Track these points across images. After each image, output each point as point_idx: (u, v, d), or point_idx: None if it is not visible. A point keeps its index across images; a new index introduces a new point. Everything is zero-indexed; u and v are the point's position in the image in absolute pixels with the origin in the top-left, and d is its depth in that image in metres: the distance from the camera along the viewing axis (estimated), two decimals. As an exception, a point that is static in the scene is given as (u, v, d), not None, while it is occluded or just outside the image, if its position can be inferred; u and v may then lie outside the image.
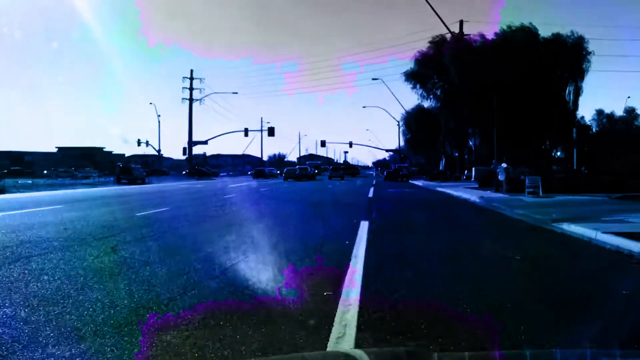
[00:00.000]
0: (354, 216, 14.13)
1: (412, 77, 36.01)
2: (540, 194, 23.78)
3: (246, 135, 74.81)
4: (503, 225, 12.70)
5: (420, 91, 36.16)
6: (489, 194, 26.82)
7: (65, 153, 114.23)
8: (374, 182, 53.08)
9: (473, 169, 55.78)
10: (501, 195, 25.57)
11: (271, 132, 74.61)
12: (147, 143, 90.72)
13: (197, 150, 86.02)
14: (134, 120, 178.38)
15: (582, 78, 32.49)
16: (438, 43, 34.62)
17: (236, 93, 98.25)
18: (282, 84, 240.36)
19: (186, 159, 74.96)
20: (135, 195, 25.46)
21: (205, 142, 76.24)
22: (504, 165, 27.08)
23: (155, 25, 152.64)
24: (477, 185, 38.10)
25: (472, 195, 25.67)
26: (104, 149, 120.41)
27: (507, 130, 31.24)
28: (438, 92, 35.79)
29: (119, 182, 51.80)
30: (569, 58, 32.05)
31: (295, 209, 16.71)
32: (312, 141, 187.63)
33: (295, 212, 15.11)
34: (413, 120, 60.84)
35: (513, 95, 31.40)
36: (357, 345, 3.72)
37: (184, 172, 75.77)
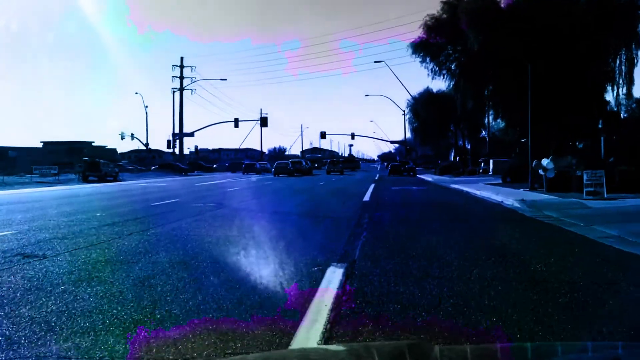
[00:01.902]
0: (324, 251, 7.42)
1: (420, 48, 28.94)
2: (605, 194, 16.95)
3: (236, 126, 68.00)
4: (627, 279, 5.87)
5: (430, 65, 29.15)
6: (526, 194, 19.98)
7: (51, 148, 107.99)
8: (376, 177, 46.31)
9: (491, 161, 48.82)
10: (545, 196, 18.72)
11: (264, 122, 67.83)
12: (132, 136, 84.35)
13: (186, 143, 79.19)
14: (125, 112, 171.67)
15: (638, 45, 25.44)
16: (452, 4, 27.64)
17: (225, 79, 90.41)
18: (282, 69, 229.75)
19: (171, 153, 68.21)
20: (46, 201, 18.82)
21: (191, 134, 69.53)
22: (545, 160, 20.27)
23: (145, 11, 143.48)
24: (500, 181, 31.31)
25: (504, 196, 18.85)
26: (93, 144, 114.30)
27: (541, 111, 24.30)
28: (452, 67, 28.80)
29: (85, 180, 45.24)
30: (619, 19, 25.05)
31: (230, 232, 9.94)
32: (315, 134, 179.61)
33: (219, 243, 8.36)
34: (421, 107, 53.86)
35: (547, 68, 24.44)
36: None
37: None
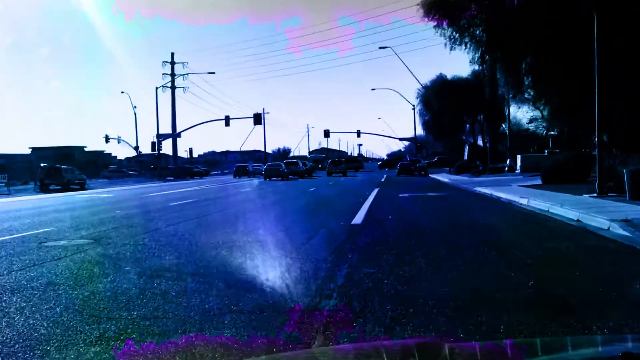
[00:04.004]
0: None
1: (434, 8, 21.74)
2: None
3: (227, 124, 61.17)
4: None
5: (448, 31, 21.98)
6: (607, 204, 12.94)
7: (40, 154, 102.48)
8: (382, 180, 39.34)
9: (518, 157, 41.52)
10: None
11: (258, 119, 60.96)
12: (119, 139, 78.07)
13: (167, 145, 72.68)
14: (120, 113, 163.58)
15: None
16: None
17: (213, 73, 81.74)
18: (283, 61, 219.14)
19: (156, 156, 61.55)
20: None
21: (178, 135, 62.89)
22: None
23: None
24: (538, 182, 24.22)
25: (576, 208, 11.80)
26: (85, 148, 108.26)
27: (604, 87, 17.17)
28: (478, 32, 21.75)
29: (42, 189, 38.71)
30: None
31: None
32: (323, 134, 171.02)
33: None
34: (433, 96, 46.74)
35: (623, 28, 17.32)
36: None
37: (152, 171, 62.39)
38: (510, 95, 26.59)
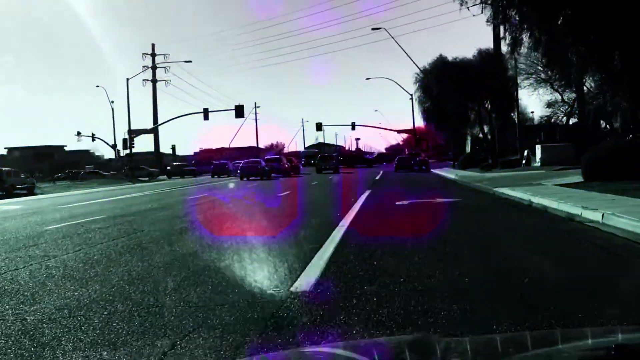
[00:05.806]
0: None
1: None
2: None
3: (206, 118, 55.07)
4: None
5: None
6: None
7: (17, 154, 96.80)
8: (377, 177, 33.58)
9: (537, 147, 35.66)
10: None
11: (239, 112, 54.97)
12: (93, 137, 72.05)
13: (141, 142, 66.68)
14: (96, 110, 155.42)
15: None
16: None
17: (190, 61, 74.78)
18: (277, 49, 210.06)
19: (127, 154, 55.38)
20: None
21: (152, 130, 56.94)
22: None
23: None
24: (578, 178, 18.43)
25: None
26: (65, 148, 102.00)
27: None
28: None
29: (-19, 195, 33.05)
30: None
31: None
32: (325, 129, 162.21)
33: None
34: (433, 80, 40.80)
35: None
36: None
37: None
38: (543, 63, 20.62)
